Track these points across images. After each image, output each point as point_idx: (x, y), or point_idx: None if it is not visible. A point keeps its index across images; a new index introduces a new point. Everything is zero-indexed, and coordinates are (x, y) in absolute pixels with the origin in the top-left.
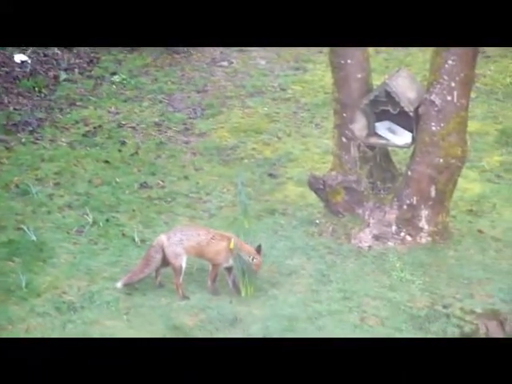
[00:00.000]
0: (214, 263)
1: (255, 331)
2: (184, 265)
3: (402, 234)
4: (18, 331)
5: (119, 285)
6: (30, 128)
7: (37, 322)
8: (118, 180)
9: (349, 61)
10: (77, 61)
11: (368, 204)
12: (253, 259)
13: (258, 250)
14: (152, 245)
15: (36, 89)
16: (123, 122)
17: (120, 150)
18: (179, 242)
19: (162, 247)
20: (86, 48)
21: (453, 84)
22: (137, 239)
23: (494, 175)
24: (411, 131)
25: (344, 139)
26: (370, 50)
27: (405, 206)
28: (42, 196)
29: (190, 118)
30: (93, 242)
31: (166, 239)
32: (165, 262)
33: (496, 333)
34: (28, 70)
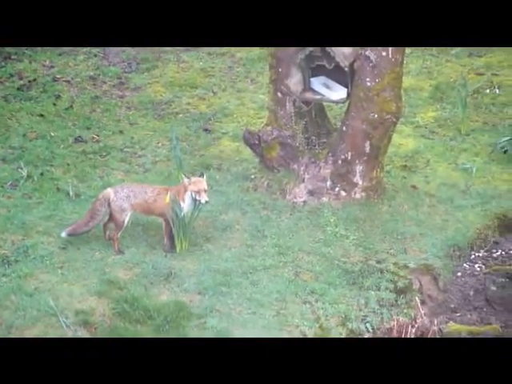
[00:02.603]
0: (165, 218)
1: (190, 286)
2: (127, 220)
3: (337, 189)
4: None
5: (63, 234)
6: None
7: None
8: (52, 134)
9: None
10: None
11: (303, 159)
12: (199, 195)
13: (201, 175)
14: (98, 198)
15: None
16: (58, 76)
17: (55, 104)
18: (126, 197)
19: (107, 201)
20: None
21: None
22: (71, 193)
23: (428, 131)
24: (346, 86)
25: (279, 94)
26: None
27: (339, 162)
28: None
29: (125, 73)
30: (27, 196)
31: (113, 193)
32: (110, 215)
33: (429, 288)
34: None
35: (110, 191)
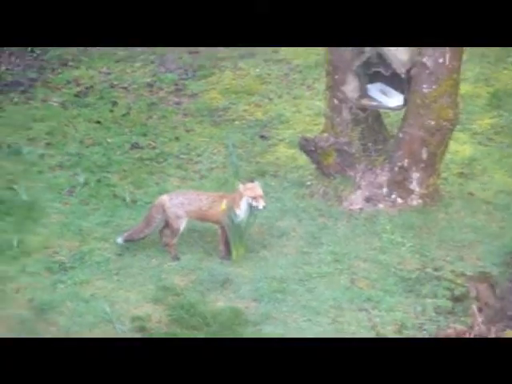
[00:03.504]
0: (221, 225)
1: (245, 293)
2: (182, 227)
3: (393, 196)
4: (9, 290)
5: (119, 240)
6: (22, 88)
7: (27, 281)
8: (109, 140)
9: None
10: None
11: (359, 166)
12: (255, 200)
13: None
14: (154, 205)
15: (28, 49)
16: (115, 83)
17: (111, 111)
18: (181, 204)
19: (163, 208)
20: None
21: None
22: (128, 200)
23: (485, 138)
24: (403, 93)
25: (336, 101)
26: None
27: (396, 169)
28: (33, 156)
29: (182, 79)
30: (84, 202)
31: (168, 200)
32: (165, 222)
33: (487, 296)
34: None
35: (165, 198)
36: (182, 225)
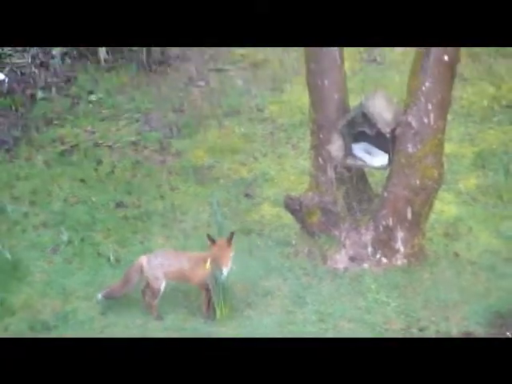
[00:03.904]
0: (204, 287)
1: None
2: (162, 288)
3: (378, 255)
4: None
5: (99, 296)
6: (6, 146)
7: None
8: (93, 199)
9: (326, 81)
10: (54, 79)
11: (344, 225)
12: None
13: (231, 237)
14: (133, 264)
15: (13, 107)
16: (100, 141)
17: (96, 169)
18: (160, 265)
19: (141, 268)
20: (63, 66)
21: (430, 106)
22: (112, 258)
23: (470, 198)
24: (388, 153)
25: (321, 160)
26: (347, 70)
27: (381, 228)
28: (17, 214)
29: (167, 138)
30: (67, 260)
31: (147, 261)
32: (146, 282)
33: None
34: (5, 88)
35: (143, 259)
36: (162, 286)
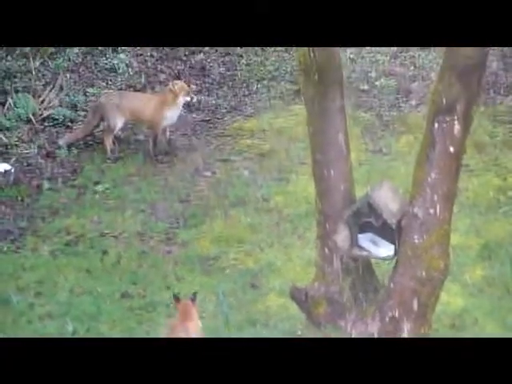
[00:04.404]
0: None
1: None
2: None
3: None
4: None
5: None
6: (12, 237)
7: None
8: (99, 289)
9: (332, 172)
10: (60, 170)
11: (350, 316)
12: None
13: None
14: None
15: (19, 198)
16: (105, 232)
17: (102, 259)
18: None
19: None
20: (70, 157)
21: (435, 197)
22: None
23: (477, 289)
24: (394, 243)
25: (327, 250)
26: (353, 161)
27: (387, 319)
28: (22, 305)
29: (173, 228)
30: None
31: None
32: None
33: None
34: (11, 179)
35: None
36: (119, 122)
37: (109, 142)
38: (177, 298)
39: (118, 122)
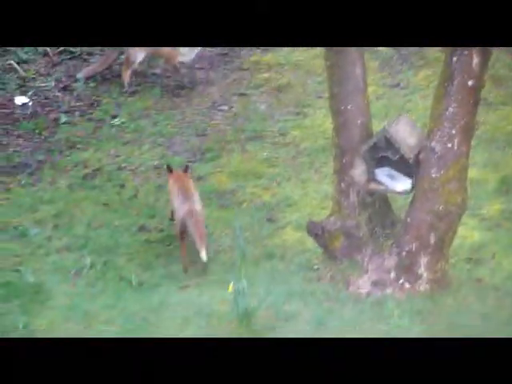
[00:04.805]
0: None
1: None
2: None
3: (401, 281)
4: None
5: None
6: (29, 170)
7: None
8: (116, 223)
9: (349, 106)
10: (77, 103)
11: (367, 250)
12: None
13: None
14: None
15: (36, 131)
16: (123, 165)
17: (119, 193)
18: None
19: None
20: (87, 90)
21: (453, 131)
22: (134, 282)
23: (494, 224)
24: (411, 178)
25: (343, 185)
26: (370, 95)
27: (404, 253)
28: (40, 238)
29: (190, 162)
30: (90, 284)
31: None
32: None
33: None
34: (29, 112)
35: None
36: (139, 57)
37: (127, 75)
38: (169, 169)
39: (138, 56)
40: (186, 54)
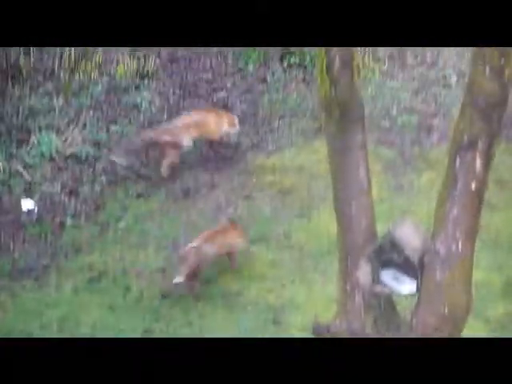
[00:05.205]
0: None
1: None
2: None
3: None
4: None
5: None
6: (35, 274)
7: None
8: (121, 326)
9: (353, 209)
10: (83, 207)
11: None
12: None
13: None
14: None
15: (42, 235)
16: (128, 268)
17: (124, 296)
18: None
19: None
20: (92, 194)
21: (457, 233)
22: None
23: (499, 326)
24: (416, 280)
25: (348, 287)
26: (375, 198)
27: None
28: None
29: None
30: None
31: None
32: None
33: None
34: (34, 216)
35: None
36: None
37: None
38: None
39: (185, 140)
40: (231, 124)
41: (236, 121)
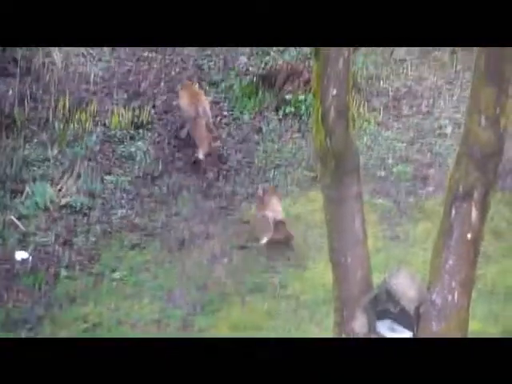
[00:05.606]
0: None
1: None
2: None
3: None
4: None
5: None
6: (29, 326)
7: None
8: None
9: (349, 259)
10: (78, 258)
11: None
12: None
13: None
14: None
15: (36, 286)
16: (123, 319)
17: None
18: None
19: None
20: (87, 244)
21: (453, 284)
22: None
23: None
24: (412, 330)
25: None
26: (370, 248)
27: None
28: None
29: (190, 315)
30: None
31: None
32: None
33: None
34: (28, 267)
35: None
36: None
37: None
38: None
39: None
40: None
41: None
